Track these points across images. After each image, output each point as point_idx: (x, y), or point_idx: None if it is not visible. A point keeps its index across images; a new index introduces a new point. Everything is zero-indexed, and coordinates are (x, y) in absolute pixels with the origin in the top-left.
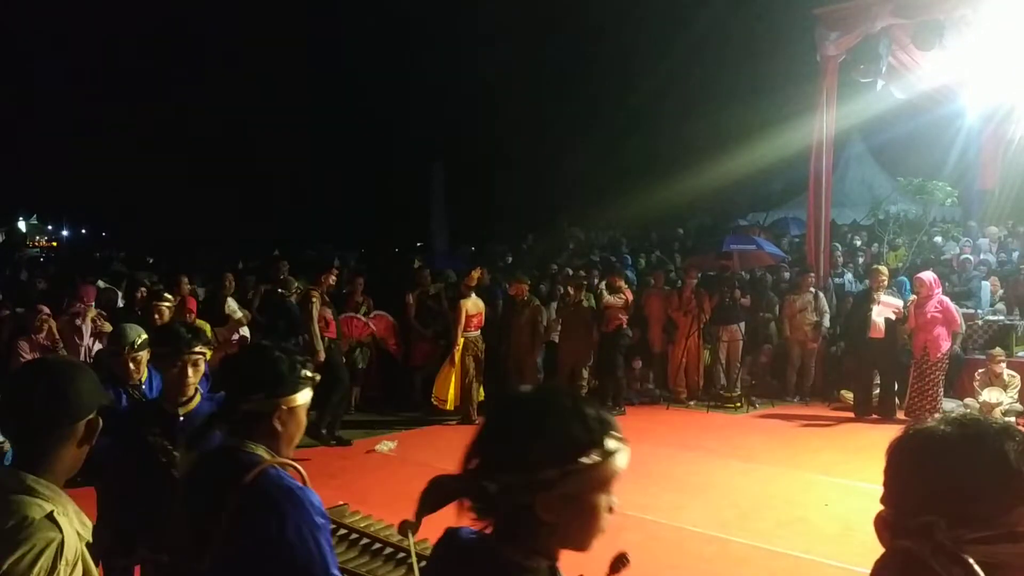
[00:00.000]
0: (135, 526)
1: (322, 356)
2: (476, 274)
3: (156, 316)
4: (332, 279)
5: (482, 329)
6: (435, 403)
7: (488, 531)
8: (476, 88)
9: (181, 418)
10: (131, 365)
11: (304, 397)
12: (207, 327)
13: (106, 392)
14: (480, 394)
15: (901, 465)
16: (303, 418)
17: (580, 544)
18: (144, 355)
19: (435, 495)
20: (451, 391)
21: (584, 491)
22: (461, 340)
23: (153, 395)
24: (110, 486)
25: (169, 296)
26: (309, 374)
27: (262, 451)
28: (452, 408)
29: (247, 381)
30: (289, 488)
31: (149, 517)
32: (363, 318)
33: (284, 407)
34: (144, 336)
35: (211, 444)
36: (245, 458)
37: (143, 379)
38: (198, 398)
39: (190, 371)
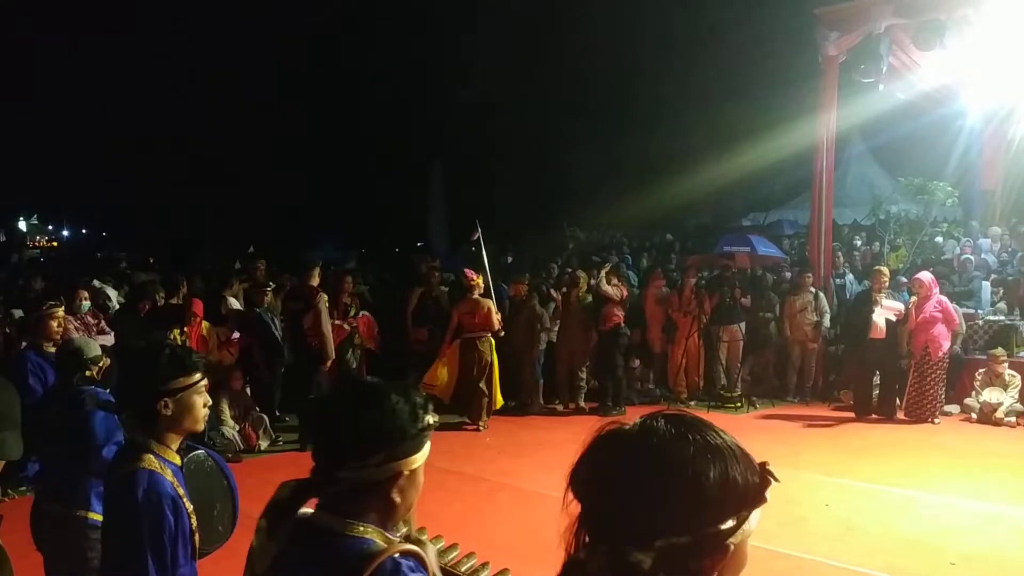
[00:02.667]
0: None
1: (332, 356)
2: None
3: (51, 327)
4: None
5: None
6: (424, 388)
7: None
8: (476, 88)
9: (180, 465)
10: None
11: (427, 450)
12: (206, 327)
13: None
14: (498, 400)
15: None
16: (421, 480)
17: None
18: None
19: None
20: (441, 377)
21: (747, 535)
22: (450, 337)
23: None
24: None
25: (61, 301)
26: (431, 420)
27: (374, 533)
28: (442, 394)
29: (355, 439)
30: None
31: None
32: (341, 322)
33: (406, 471)
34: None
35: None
36: (353, 546)
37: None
38: None
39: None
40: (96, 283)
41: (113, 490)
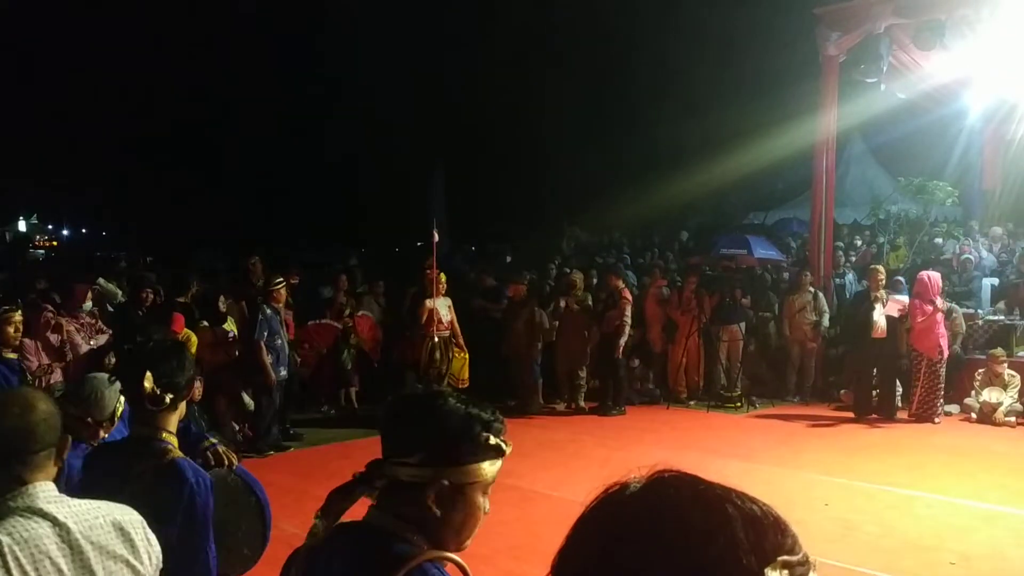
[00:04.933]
0: None
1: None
2: (443, 277)
3: (8, 332)
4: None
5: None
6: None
7: None
8: (477, 88)
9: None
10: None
11: (484, 473)
12: (194, 338)
13: None
14: None
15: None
16: (477, 503)
17: None
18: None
19: None
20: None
21: None
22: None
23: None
24: None
25: (17, 308)
26: (493, 440)
27: (417, 539)
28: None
29: (400, 433)
30: None
31: None
32: (333, 323)
33: (445, 481)
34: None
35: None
36: (393, 548)
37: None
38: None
39: None
40: (102, 281)
41: (151, 483)
